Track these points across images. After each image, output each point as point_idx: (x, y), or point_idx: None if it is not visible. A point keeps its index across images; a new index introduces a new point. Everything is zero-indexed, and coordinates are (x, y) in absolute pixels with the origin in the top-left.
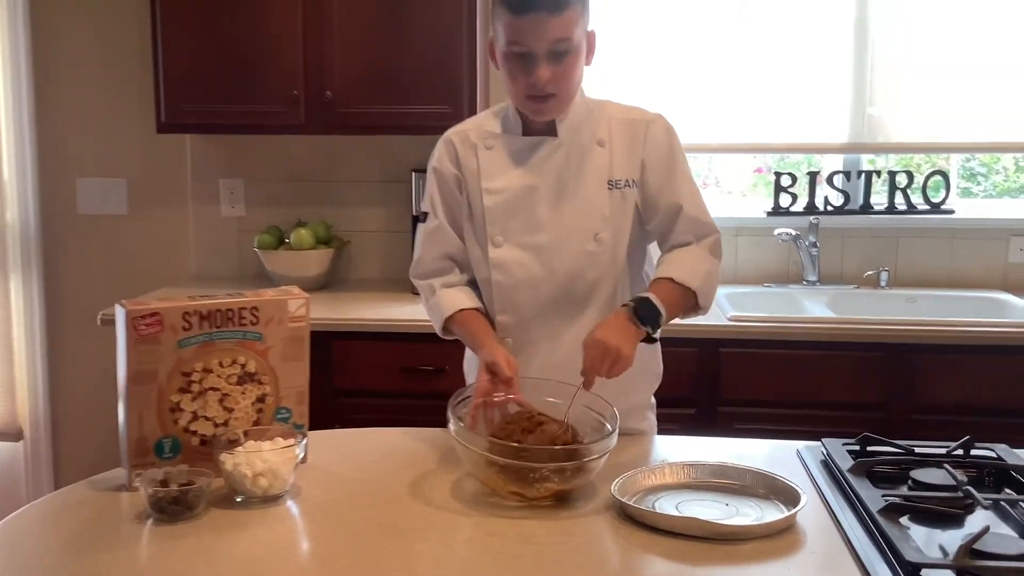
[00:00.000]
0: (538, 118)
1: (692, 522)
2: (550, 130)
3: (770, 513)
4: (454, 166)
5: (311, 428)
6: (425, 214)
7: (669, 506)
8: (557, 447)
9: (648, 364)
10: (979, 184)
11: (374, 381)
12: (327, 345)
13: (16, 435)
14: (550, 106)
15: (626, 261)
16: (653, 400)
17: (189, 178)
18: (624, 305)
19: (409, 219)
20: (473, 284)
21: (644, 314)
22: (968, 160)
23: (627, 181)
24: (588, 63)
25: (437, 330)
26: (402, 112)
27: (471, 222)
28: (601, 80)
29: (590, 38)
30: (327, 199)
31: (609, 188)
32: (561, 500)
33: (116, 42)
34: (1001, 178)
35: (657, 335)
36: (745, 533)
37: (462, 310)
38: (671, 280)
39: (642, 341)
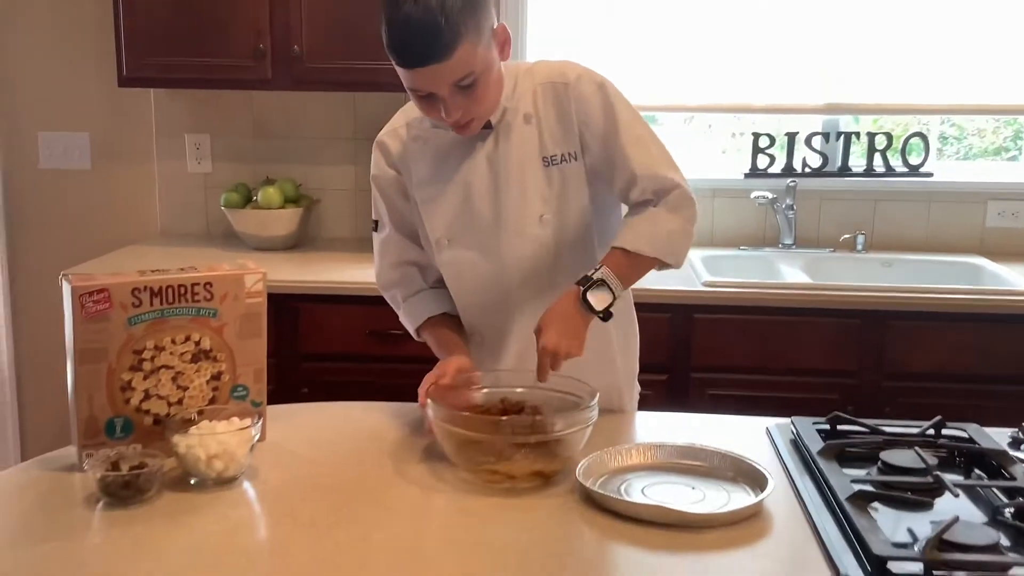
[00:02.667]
0: (465, 135)
1: (656, 509)
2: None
3: (737, 497)
4: (392, 169)
5: (276, 392)
6: (376, 223)
7: (635, 490)
8: (536, 417)
9: (622, 322)
10: (952, 145)
11: (341, 345)
12: (294, 308)
13: None
14: (473, 127)
15: (585, 236)
16: (636, 366)
17: (154, 133)
18: (577, 283)
19: None
20: (440, 283)
21: (592, 296)
22: (942, 123)
23: (563, 156)
24: (505, 58)
25: (414, 336)
26: (373, 68)
27: (421, 221)
28: (575, 43)
29: (500, 34)
30: (296, 156)
31: (545, 165)
32: (546, 479)
33: None
34: (977, 140)
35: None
36: (709, 521)
37: (428, 318)
38: (623, 250)
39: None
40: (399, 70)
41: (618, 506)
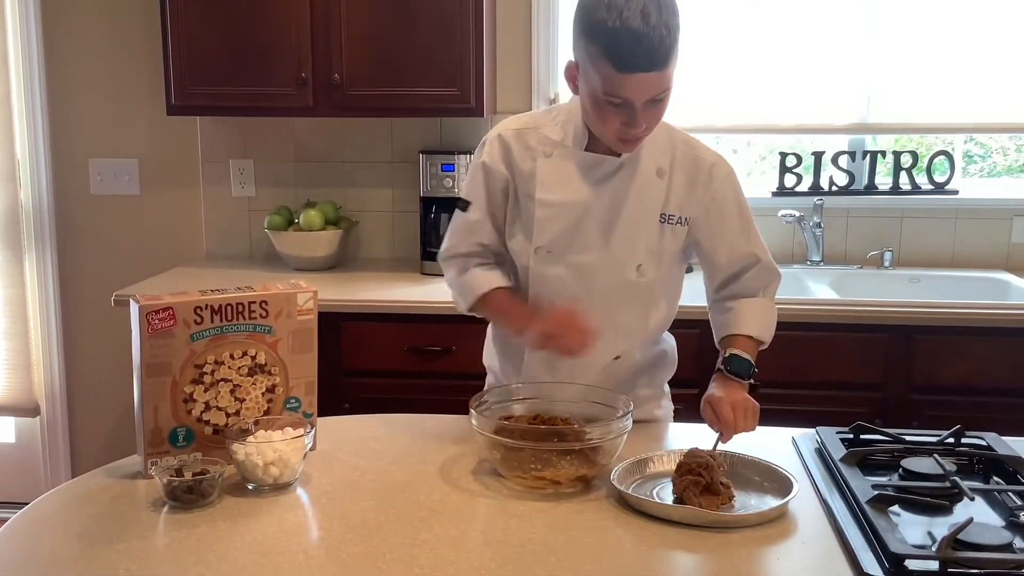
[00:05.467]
0: (625, 152)
1: (686, 511)
2: (613, 150)
3: (764, 501)
4: (505, 167)
5: (320, 409)
6: (467, 204)
7: (668, 494)
8: (576, 426)
9: (666, 352)
10: (976, 164)
11: (382, 361)
12: (336, 326)
13: (33, 411)
14: (639, 144)
15: (664, 294)
16: (667, 388)
17: (200, 159)
18: (724, 369)
19: (417, 200)
20: (505, 270)
21: (742, 372)
22: (966, 141)
23: (680, 218)
24: None
25: (462, 307)
26: (408, 94)
27: (519, 220)
28: None
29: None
30: (335, 180)
31: (661, 221)
32: (587, 483)
33: (126, 25)
34: (1001, 158)
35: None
36: (737, 522)
37: (496, 289)
38: (751, 338)
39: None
40: (603, 78)
41: (651, 508)
